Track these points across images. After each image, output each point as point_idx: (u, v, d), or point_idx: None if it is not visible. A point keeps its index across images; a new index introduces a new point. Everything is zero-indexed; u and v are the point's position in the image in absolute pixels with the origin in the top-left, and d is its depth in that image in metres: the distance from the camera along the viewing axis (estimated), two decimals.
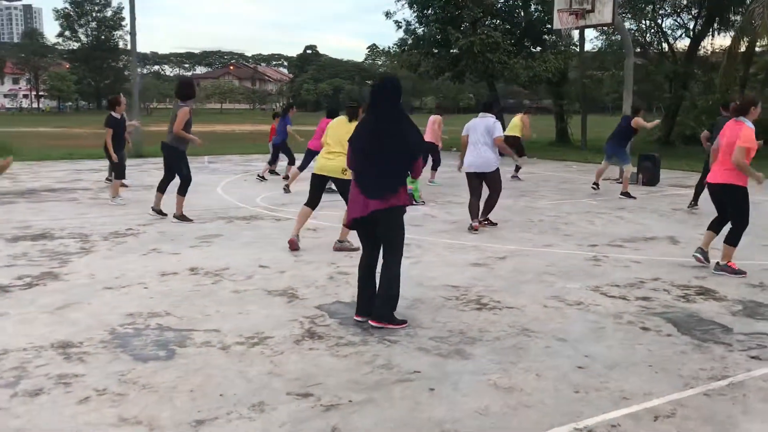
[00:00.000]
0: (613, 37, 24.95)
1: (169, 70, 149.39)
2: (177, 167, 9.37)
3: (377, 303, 5.00)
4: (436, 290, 6.04)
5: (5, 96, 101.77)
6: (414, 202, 11.19)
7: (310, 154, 12.89)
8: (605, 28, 26.54)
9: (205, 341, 4.67)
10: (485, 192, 9.09)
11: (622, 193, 12.42)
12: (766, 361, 4.46)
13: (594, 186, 12.95)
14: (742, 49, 21.56)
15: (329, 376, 4.11)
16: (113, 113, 11.26)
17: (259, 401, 3.74)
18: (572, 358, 4.45)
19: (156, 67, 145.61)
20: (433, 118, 14.22)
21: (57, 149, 23.14)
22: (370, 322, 4.97)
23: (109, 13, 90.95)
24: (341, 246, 7.64)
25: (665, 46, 27.09)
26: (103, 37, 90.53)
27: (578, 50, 26.25)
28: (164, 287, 6.05)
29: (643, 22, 24.77)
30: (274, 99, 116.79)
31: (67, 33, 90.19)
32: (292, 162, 14.67)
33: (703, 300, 5.86)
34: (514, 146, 15.18)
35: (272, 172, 15.38)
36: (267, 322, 5.12)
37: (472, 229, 8.87)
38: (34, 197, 11.80)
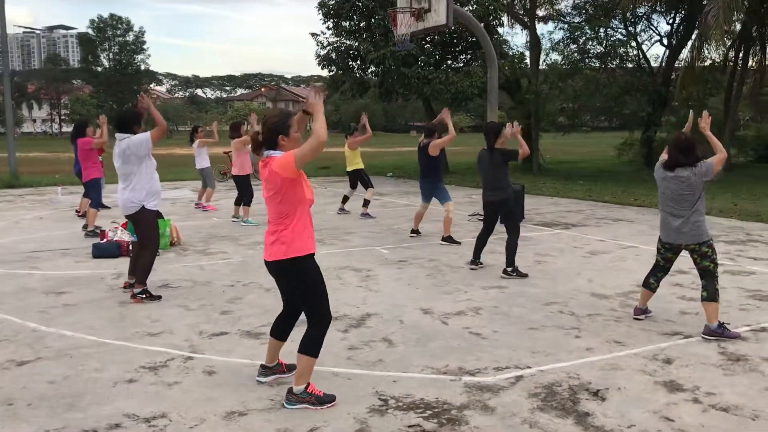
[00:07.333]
0: (570, 46, 21.99)
1: (210, 93, 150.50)
2: None
3: None
4: None
5: (44, 121, 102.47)
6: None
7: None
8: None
9: None
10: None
11: (444, 239, 9.76)
12: None
13: (413, 233, 10.28)
14: None
15: None
16: None
17: None
18: None
19: (198, 90, 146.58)
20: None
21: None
22: None
23: (131, 37, 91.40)
24: None
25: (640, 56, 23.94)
26: (124, 61, 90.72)
27: (522, 61, 23.56)
28: None
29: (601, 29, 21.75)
30: None
31: (89, 57, 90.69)
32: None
33: None
34: (356, 181, 12.76)
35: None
36: None
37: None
38: None
